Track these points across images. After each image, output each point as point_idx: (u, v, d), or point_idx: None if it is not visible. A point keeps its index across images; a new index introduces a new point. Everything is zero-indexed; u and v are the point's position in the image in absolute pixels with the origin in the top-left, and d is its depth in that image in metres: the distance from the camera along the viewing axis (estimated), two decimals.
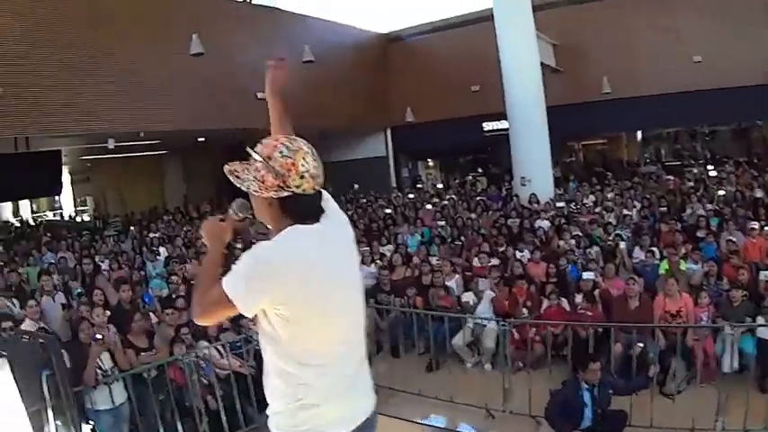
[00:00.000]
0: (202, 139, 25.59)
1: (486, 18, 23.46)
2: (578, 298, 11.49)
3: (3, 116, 16.21)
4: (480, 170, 33.84)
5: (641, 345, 9.48)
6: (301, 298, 2.79)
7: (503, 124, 25.25)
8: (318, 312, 2.86)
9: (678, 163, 30.64)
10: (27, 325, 9.67)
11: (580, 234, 15.47)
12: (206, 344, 9.61)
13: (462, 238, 16.86)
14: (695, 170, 25.86)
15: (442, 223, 18.60)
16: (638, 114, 25.84)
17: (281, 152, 2.84)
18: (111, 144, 20.55)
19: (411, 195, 25.80)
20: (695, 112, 25.24)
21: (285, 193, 2.85)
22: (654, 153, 34.60)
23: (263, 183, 2.85)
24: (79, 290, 11.20)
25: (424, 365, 11.64)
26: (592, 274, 12.10)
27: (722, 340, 9.59)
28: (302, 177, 2.84)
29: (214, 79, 21.03)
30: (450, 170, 35.86)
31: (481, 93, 26.97)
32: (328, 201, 3.09)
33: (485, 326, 11.54)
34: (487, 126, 28.51)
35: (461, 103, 27.58)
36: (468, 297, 12.39)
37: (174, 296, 12.14)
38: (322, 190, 2.98)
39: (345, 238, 3.15)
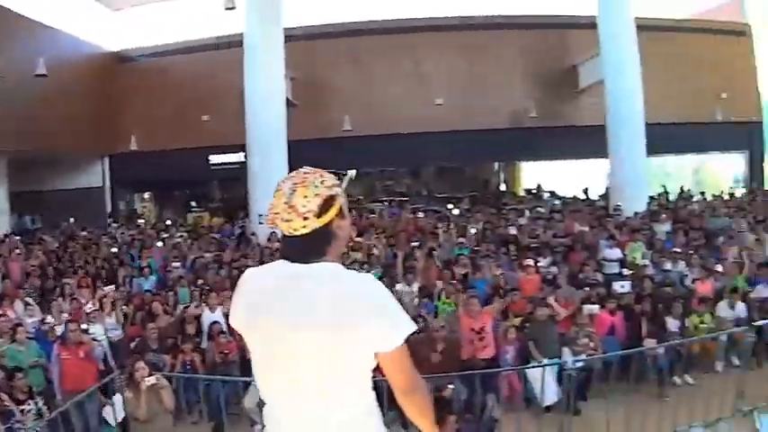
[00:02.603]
0: None
1: (225, 45, 23.84)
2: None
3: None
4: (194, 204, 32.51)
5: (451, 386, 9.29)
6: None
7: (230, 158, 24.81)
8: None
9: (406, 199, 30.87)
10: None
11: None
12: None
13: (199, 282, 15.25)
14: (437, 207, 26.46)
15: (178, 264, 16.91)
16: (378, 152, 26.66)
17: None
18: None
19: (132, 231, 23.61)
20: (435, 151, 27.36)
21: None
22: (367, 189, 34.14)
23: None
24: None
25: None
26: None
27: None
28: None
29: None
30: (166, 204, 33.95)
31: (212, 123, 25.92)
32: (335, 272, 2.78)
33: None
34: (215, 159, 27.51)
35: (189, 134, 26.41)
36: None
37: None
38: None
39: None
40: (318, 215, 2.67)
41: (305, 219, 2.65)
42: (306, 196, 2.66)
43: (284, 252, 2.79)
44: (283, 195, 2.68)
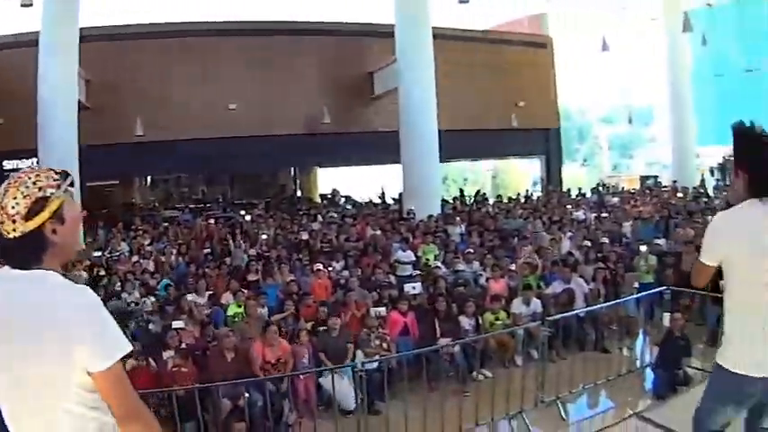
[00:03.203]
0: None
1: (20, 43, 23.13)
2: (166, 354, 10.36)
3: None
4: None
5: (247, 395, 9.41)
6: None
7: (23, 163, 23.62)
8: None
9: (201, 206, 30.63)
10: None
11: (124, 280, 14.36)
12: None
13: None
14: (231, 213, 26.58)
15: None
16: (174, 158, 26.48)
17: None
18: None
19: None
20: (231, 157, 27.04)
21: None
22: (163, 196, 34.74)
23: None
24: None
25: None
26: (181, 322, 11.22)
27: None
28: None
29: None
30: None
31: (4, 126, 24.51)
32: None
33: None
34: (8, 164, 25.98)
35: None
36: None
37: None
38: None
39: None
40: (26, 218, 2.52)
41: (13, 221, 2.51)
42: (15, 197, 2.51)
43: (3, 257, 2.61)
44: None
